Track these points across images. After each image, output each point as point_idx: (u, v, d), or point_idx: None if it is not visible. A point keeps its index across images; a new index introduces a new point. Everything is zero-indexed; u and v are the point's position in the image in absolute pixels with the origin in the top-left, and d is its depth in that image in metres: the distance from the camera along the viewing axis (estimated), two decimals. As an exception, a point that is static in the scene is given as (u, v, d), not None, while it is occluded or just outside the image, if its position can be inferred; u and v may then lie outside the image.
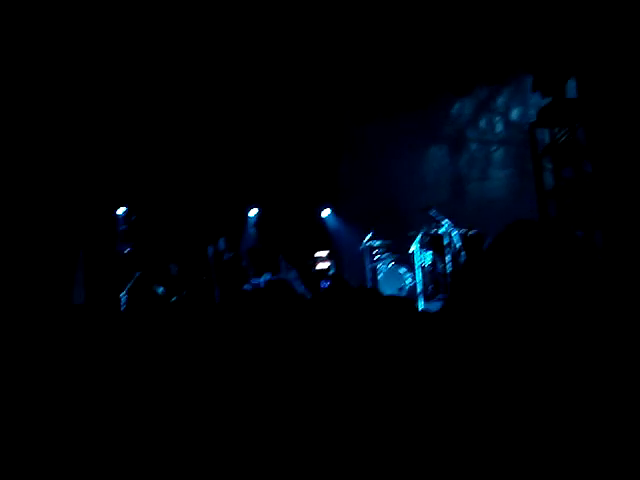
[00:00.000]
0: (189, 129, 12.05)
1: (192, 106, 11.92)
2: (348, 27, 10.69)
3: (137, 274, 10.87)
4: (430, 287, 10.86)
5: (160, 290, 10.90)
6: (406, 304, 2.83)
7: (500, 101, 11.79)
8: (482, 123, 12.09)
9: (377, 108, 12.88)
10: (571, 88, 8.39)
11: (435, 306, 10.06)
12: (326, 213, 13.81)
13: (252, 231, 12.68)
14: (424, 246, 10.98)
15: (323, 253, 12.00)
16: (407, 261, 11.44)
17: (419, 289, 10.81)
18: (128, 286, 10.72)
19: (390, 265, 11.70)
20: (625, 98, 7.52)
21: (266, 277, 11.11)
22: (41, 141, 9.91)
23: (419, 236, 10.96)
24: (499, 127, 11.85)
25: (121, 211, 11.72)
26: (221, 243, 11.48)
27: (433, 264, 10.92)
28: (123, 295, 10.73)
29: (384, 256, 11.87)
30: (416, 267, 10.91)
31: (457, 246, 10.71)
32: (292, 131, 12.99)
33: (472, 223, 10.84)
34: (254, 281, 11.20)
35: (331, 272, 12.35)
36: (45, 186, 10.32)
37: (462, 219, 10.94)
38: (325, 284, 11.13)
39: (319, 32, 10.81)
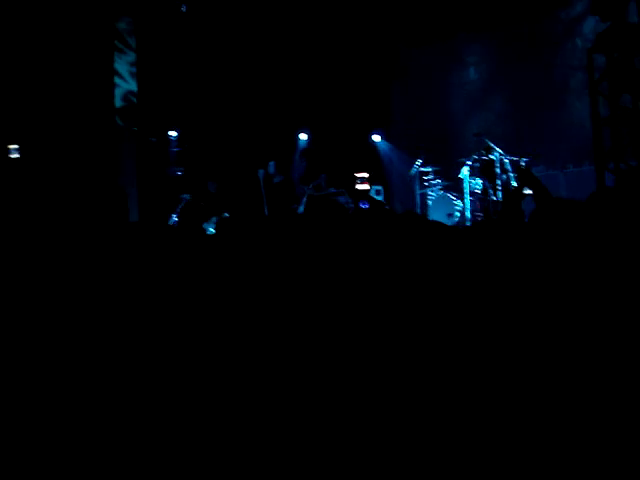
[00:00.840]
0: (242, 54, 12.00)
1: (245, 30, 11.85)
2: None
3: (186, 197, 11.04)
4: (479, 214, 10.80)
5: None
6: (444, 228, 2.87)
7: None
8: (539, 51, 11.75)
9: (432, 31, 12.63)
10: (632, 12, 8.06)
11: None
12: (377, 138, 13.71)
13: (302, 157, 12.66)
14: (474, 173, 10.86)
15: (364, 174, 11.95)
16: (457, 188, 11.36)
17: (468, 216, 10.77)
18: (178, 208, 10.92)
19: (440, 191, 11.63)
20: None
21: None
22: (97, 60, 9.99)
23: (469, 162, 10.85)
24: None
25: (174, 134, 11.83)
26: (271, 167, 11.55)
27: (483, 191, 10.81)
28: (174, 216, 10.95)
29: (434, 182, 11.79)
30: (465, 194, 10.84)
31: (509, 174, 10.60)
32: (344, 54, 12.83)
33: (526, 151, 10.69)
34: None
35: (376, 195, 12.29)
36: (100, 111, 10.47)
37: (516, 146, 10.79)
38: (364, 205, 11.12)
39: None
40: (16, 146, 9.73)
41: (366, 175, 11.91)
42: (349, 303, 2.38)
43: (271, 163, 11.60)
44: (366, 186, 11.92)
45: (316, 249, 2.81)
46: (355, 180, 11.91)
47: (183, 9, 9.44)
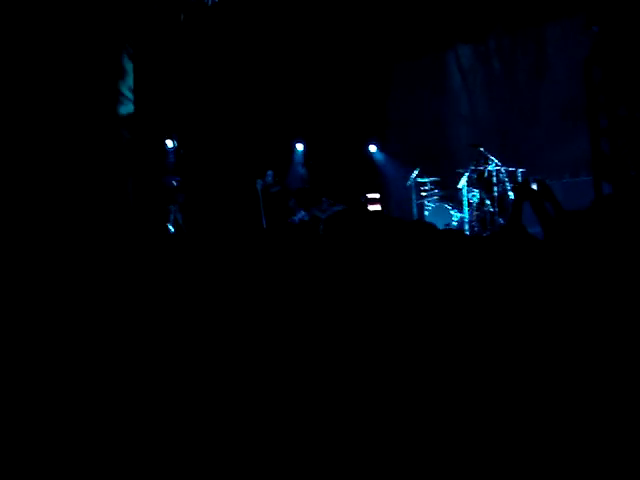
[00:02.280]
0: (241, 64, 12.01)
1: (241, 40, 11.87)
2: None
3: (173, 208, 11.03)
4: (476, 225, 10.83)
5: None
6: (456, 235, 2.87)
7: (554, 39, 11.47)
8: (536, 61, 11.82)
9: (427, 42, 12.69)
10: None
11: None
12: (373, 149, 13.72)
13: (299, 168, 12.65)
14: (472, 183, 10.90)
15: (375, 195, 11.94)
16: (454, 198, 11.38)
17: (465, 226, 10.79)
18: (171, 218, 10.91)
19: (437, 202, 11.64)
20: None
21: (301, 214, 11.15)
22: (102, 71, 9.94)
23: (467, 173, 10.88)
24: (552, 66, 11.57)
25: (170, 144, 11.80)
26: (269, 176, 11.56)
27: (480, 202, 10.84)
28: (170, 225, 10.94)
29: (431, 192, 11.80)
30: (463, 204, 10.87)
31: (505, 185, 10.64)
32: (341, 65, 12.86)
33: (521, 161, 10.73)
34: (292, 218, 11.26)
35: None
36: (98, 117, 10.41)
37: (512, 156, 10.84)
38: None
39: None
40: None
41: (377, 196, 11.88)
42: (355, 308, 2.37)
43: (269, 172, 11.60)
44: (377, 207, 11.88)
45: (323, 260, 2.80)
46: (366, 201, 11.88)
47: (181, 18, 9.45)
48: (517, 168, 10.62)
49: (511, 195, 10.53)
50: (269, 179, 11.53)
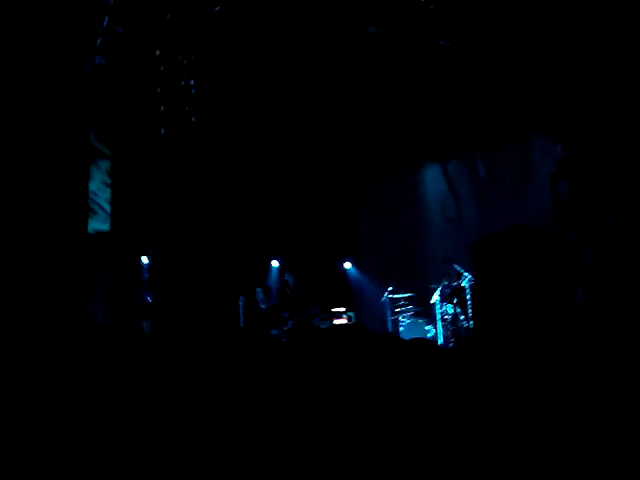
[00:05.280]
0: (213, 179, 12.23)
1: (217, 157, 12.13)
2: (366, 91, 11.10)
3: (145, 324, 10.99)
4: (451, 340, 10.81)
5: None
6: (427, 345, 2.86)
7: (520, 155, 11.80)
8: (504, 177, 12.10)
9: (400, 162, 13.07)
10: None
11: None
12: (348, 265, 13.82)
13: (276, 283, 12.65)
14: (445, 299, 10.96)
15: (341, 309, 11.96)
16: (429, 314, 11.41)
17: (440, 341, 10.77)
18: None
19: (411, 317, 11.68)
20: None
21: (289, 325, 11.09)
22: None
23: (440, 288, 10.96)
24: (521, 180, 11.86)
25: (145, 260, 11.83)
26: (259, 294, 11.58)
27: (454, 317, 10.87)
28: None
29: (405, 308, 11.85)
30: (437, 319, 10.89)
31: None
32: (315, 184, 13.13)
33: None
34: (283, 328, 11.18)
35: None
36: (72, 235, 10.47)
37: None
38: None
39: (340, 95, 11.20)
40: None
41: (343, 310, 11.90)
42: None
43: (258, 290, 11.63)
44: (343, 321, 11.87)
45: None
46: (333, 315, 11.87)
47: (162, 132, 9.77)
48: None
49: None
50: (260, 296, 11.55)
